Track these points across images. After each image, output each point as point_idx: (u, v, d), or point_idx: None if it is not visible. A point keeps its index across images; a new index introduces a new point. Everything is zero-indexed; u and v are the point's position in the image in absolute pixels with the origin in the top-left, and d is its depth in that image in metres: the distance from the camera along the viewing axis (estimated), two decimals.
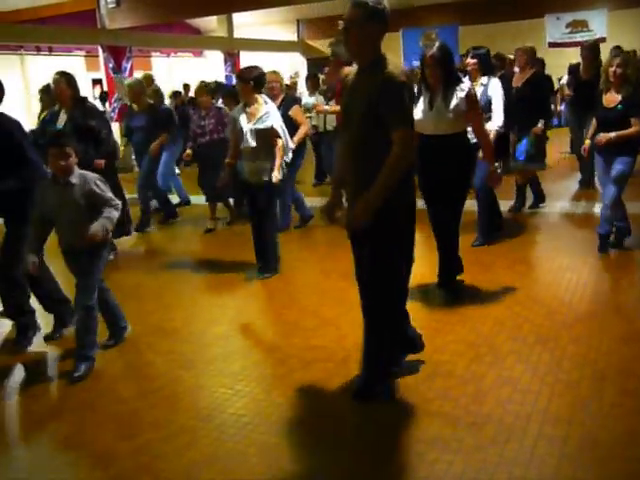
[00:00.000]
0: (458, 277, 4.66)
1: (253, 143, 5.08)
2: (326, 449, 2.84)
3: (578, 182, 8.22)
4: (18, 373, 3.94)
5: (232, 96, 7.54)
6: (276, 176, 5.07)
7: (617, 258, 5.36)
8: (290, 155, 5.42)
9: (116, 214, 3.76)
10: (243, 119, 5.12)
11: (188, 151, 7.27)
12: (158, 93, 8.47)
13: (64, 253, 3.84)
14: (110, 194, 3.79)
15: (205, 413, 3.23)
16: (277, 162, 5.10)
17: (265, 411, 3.20)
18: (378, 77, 2.96)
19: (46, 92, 7.42)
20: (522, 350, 3.67)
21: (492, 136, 5.32)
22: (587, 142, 5.58)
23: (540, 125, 6.42)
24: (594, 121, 5.49)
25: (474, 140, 5.19)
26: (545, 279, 4.91)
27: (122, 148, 7.85)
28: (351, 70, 3.30)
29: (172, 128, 7.58)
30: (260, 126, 5.08)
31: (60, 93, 5.54)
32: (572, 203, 7.54)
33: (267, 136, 5.10)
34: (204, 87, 7.29)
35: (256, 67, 5.26)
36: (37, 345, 4.27)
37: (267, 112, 5.12)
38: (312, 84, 9.62)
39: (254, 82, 5.11)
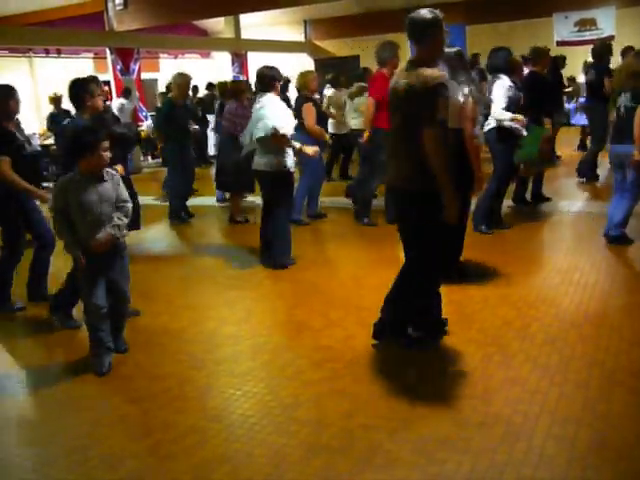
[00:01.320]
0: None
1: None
2: (332, 450, 2.84)
3: (584, 179, 8.37)
4: (28, 372, 3.96)
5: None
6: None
7: (627, 258, 5.34)
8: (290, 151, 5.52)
9: (125, 221, 3.75)
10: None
11: None
12: None
13: (89, 252, 3.68)
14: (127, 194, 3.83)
15: (214, 414, 3.25)
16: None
17: (273, 412, 3.21)
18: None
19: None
20: (530, 350, 3.66)
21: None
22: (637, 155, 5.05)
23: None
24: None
25: (491, 126, 5.93)
26: (554, 279, 4.89)
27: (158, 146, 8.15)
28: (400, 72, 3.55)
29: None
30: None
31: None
32: (582, 202, 7.51)
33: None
34: (242, 82, 7.95)
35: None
36: (48, 346, 4.32)
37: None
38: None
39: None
